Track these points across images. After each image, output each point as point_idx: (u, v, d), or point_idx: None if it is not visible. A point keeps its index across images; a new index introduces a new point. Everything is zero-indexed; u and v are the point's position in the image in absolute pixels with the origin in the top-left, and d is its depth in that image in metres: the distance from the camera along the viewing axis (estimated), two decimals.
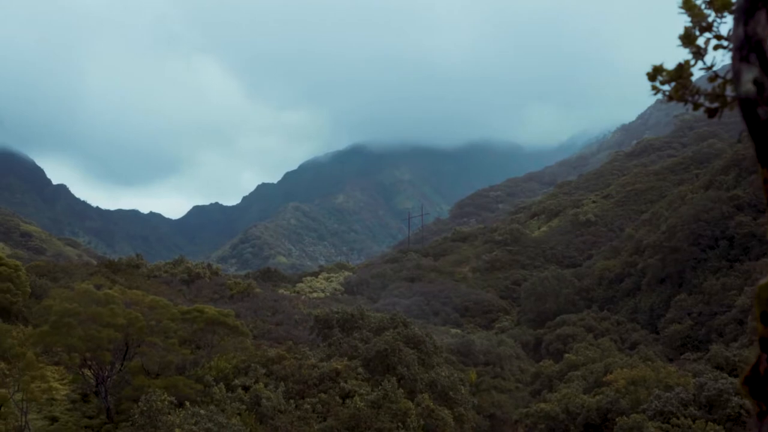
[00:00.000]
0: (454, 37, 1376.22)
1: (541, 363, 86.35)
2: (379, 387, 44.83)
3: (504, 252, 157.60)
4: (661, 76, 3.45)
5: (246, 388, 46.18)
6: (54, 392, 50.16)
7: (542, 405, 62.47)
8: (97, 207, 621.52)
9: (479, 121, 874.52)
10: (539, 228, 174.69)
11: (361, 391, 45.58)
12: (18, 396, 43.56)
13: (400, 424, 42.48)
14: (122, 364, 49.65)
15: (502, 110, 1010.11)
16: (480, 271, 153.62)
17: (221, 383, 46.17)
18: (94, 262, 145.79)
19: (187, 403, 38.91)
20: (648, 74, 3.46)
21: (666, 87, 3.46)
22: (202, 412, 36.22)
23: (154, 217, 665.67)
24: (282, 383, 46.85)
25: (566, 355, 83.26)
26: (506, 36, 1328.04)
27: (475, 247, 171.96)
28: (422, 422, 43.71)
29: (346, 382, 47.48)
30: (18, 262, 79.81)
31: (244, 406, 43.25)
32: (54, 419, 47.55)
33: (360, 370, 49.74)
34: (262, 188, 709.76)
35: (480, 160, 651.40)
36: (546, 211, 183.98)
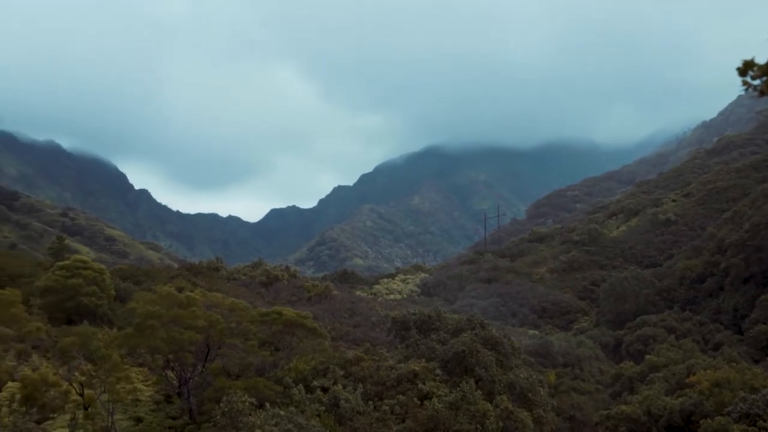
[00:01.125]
0: (530, 36, 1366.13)
1: (621, 364, 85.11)
2: (457, 388, 44.70)
3: (582, 252, 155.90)
4: (753, 71, 3.42)
5: (325, 390, 46.49)
6: (139, 393, 51.20)
7: (623, 407, 61.60)
8: (178, 211, 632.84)
9: (556, 121, 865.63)
10: (618, 228, 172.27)
11: (439, 392, 45.52)
12: (105, 397, 44.58)
13: (478, 425, 42.31)
14: (204, 366, 50.42)
15: (578, 109, 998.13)
16: (557, 272, 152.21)
17: (300, 385, 46.55)
18: (176, 266, 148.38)
19: (268, 405, 39.32)
20: (739, 69, 3.42)
21: (757, 82, 3.42)
22: (282, 413, 36.55)
23: (232, 220, 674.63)
24: (360, 385, 47.05)
25: (647, 356, 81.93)
26: (582, 33, 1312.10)
27: (552, 247, 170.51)
28: (501, 424, 43.47)
29: (424, 383, 47.46)
30: (103, 266, 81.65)
31: (323, 408, 43.54)
32: (139, 420, 48.54)
33: (438, 371, 49.68)
34: (339, 191, 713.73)
35: (556, 159, 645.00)
36: (624, 210, 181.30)
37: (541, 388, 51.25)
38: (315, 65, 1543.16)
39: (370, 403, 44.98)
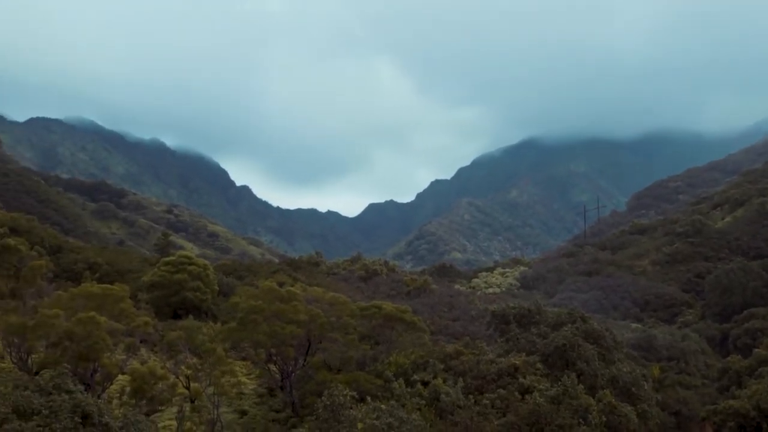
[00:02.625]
0: (629, 22, 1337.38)
1: (728, 358, 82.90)
2: (559, 383, 44.28)
3: (685, 244, 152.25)
4: None
5: (425, 384, 46.60)
6: (242, 386, 52.23)
7: (731, 402, 59.99)
8: (278, 207, 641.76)
9: (656, 110, 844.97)
10: (723, 219, 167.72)
11: (540, 386, 45.14)
12: (210, 390, 45.60)
13: (581, 420, 41.84)
14: (305, 360, 51.10)
15: (680, 98, 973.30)
16: (660, 264, 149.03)
17: (400, 378, 46.77)
18: (276, 260, 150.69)
19: (368, 398, 39.65)
20: None
21: None
22: (383, 406, 36.82)
23: (331, 215, 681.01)
24: (460, 378, 47.01)
25: (756, 350, 79.61)
26: (685, 17, 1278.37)
27: (655, 239, 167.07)
28: (604, 419, 42.87)
29: (524, 377, 47.14)
30: (206, 262, 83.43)
31: (423, 402, 43.66)
32: (243, 413, 49.51)
33: (538, 365, 49.27)
34: (436, 185, 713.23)
35: (658, 150, 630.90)
36: (730, 200, 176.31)
37: (645, 383, 50.33)
38: (411, 60, 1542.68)
39: (471, 397, 44.89)
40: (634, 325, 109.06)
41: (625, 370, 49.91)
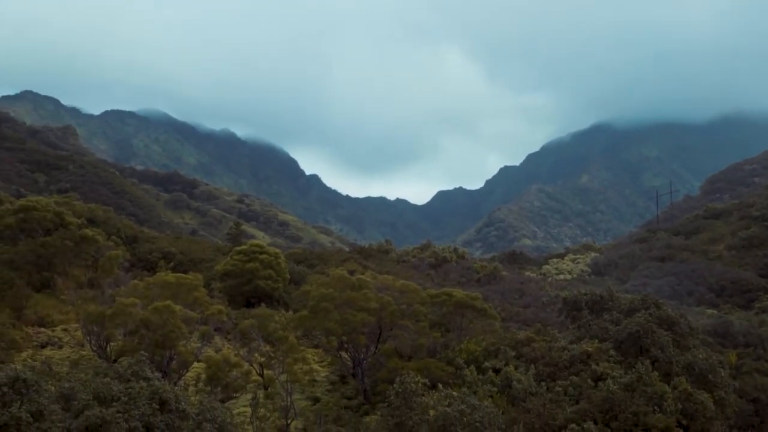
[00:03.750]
0: (701, 5, 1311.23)
1: None
2: (633, 370, 43.79)
3: (762, 228, 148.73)
4: None
5: (496, 371, 46.49)
6: (315, 374, 52.74)
7: None
8: (347, 195, 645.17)
9: (731, 92, 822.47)
10: None
11: (614, 373, 44.71)
12: (283, 377, 46.13)
13: (655, 407, 41.35)
14: (376, 347, 51.35)
15: (754, 79, 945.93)
16: (736, 249, 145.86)
17: (472, 366, 46.74)
18: (346, 249, 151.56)
19: (440, 385, 39.73)
20: None
21: None
22: (454, 393, 36.87)
23: (400, 203, 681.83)
24: (532, 365, 46.80)
25: None
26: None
27: (730, 224, 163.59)
28: (679, 406, 42.30)
29: (597, 364, 46.72)
30: (278, 250, 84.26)
31: (495, 389, 43.59)
32: (316, 399, 49.99)
33: (611, 352, 48.77)
34: (505, 171, 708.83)
35: (732, 132, 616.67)
36: None
37: (721, 369, 49.46)
38: (479, 46, 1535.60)
39: (543, 384, 44.69)
40: (709, 311, 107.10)
41: (700, 356, 49.10)
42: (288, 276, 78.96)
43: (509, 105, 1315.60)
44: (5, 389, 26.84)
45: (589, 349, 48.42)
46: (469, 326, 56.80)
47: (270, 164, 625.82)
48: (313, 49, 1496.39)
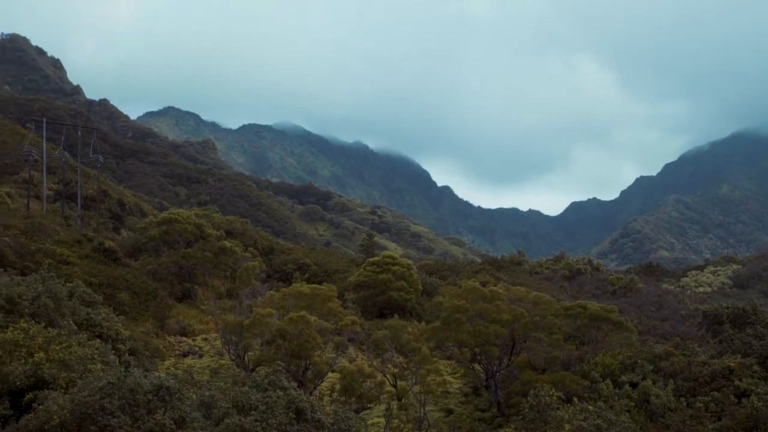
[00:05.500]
0: None
1: None
2: None
3: None
4: None
5: (633, 385, 45.47)
6: (448, 385, 52.72)
7: None
8: (479, 206, 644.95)
9: None
10: None
11: (758, 390, 43.05)
12: (416, 388, 46.29)
13: None
14: (509, 359, 50.94)
15: None
16: None
17: (608, 380, 45.84)
18: (478, 260, 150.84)
19: (575, 399, 39.11)
20: None
21: None
22: (590, 408, 36.22)
23: (533, 214, 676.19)
24: (671, 380, 45.55)
25: None
26: None
27: None
28: None
29: (740, 380, 45.09)
30: (410, 262, 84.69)
31: (632, 403, 42.62)
32: (449, 411, 49.94)
33: (755, 367, 46.98)
34: (641, 181, 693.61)
35: None
36: None
37: None
38: (614, 55, 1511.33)
39: (682, 399, 43.41)
40: None
41: None
42: (420, 287, 79.23)
43: (644, 113, 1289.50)
44: (150, 396, 27.79)
45: (732, 364, 46.78)
46: (605, 339, 55.74)
47: (402, 176, 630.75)
48: (446, 60, 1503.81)
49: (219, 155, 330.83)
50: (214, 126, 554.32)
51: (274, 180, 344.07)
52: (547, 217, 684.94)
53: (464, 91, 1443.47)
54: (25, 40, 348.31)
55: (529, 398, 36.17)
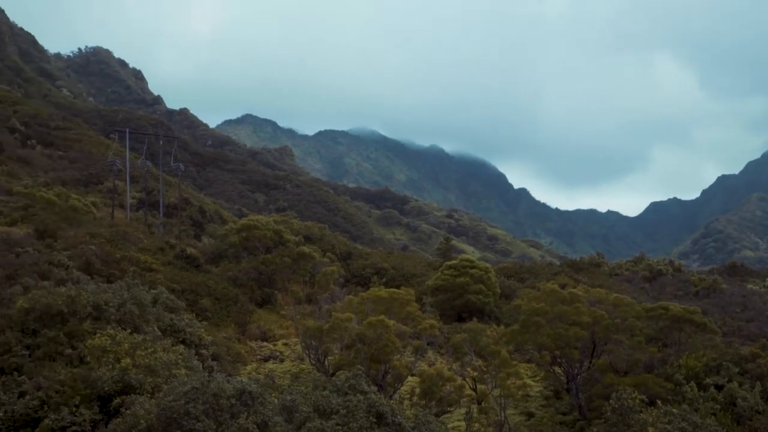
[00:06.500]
0: None
1: None
2: None
3: None
4: None
5: (718, 387, 44.63)
6: (528, 389, 52.36)
7: None
8: (557, 208, 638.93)
9: None
10: None
11: None
12: (496, 392, 46.14)
13: None
14: (590, 362, 50.43)
15: None
16: None
17: (692, 382, 45.08)
18: (557, 262, 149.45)
19: (659, 402, 38.56)
20: None
21: None
22: (674, 411, 35.68)
23: (611, 215, 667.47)
24: (758, 382, 44.61)
25: None
26: None
27: None
28: None
29: None
30: (488, 265, 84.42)
31: (718, 406, 41.84)
32: (530, 415, 49.65)
33: None
34: (723, 180, 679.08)
35: None
36: None
37: None
38: (694, 52, 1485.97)
39: None
40: None
41: None
42: (498, 290, 78.89)
43: (724, 111, 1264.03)
44: (233, 401, 28.27)
45: None
46: (688, 341, 54.79)
47: (478, 179, 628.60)
48: (522, 61, 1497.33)
49: (296, 161, 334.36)
50: (291, 132, 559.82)
51: (351, 185, 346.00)
52: (626, 218, 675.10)
53: (540, 93, 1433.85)
54: (107, 52, 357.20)
55: (611, 401, 35.83)
